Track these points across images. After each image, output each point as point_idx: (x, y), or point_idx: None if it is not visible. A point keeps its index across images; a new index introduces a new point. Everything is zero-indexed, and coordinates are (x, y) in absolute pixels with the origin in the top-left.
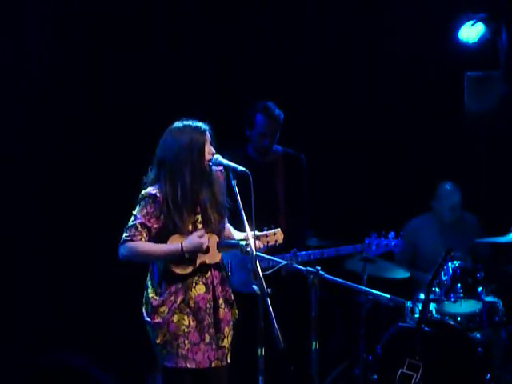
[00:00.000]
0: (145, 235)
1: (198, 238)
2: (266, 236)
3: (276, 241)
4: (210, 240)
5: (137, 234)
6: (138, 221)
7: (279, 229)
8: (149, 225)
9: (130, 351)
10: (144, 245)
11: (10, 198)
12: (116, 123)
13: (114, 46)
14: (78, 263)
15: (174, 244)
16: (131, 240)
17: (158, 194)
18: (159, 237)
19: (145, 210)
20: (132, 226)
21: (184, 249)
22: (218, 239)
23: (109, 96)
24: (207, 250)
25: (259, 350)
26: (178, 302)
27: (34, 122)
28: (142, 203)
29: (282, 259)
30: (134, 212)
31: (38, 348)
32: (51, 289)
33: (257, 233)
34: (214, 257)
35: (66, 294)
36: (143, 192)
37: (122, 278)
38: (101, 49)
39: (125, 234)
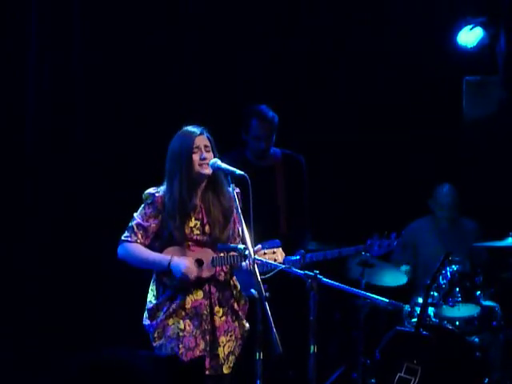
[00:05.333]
0: (140, 236)
1: (188, 267)
2: (265, 253)
3: (275, 260)
4: (203, 253)
5: (133, 234)
6: (135, 221)
7: (280, 248)
8: (145, 225)
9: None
10: (137, 248)
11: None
12: (115, 123)
13: (113, 45)
14: (77, 264)
15: (164, 256)
16: (127, 240)
17: (156, 194)
18: (160, 240)
19: (143, 211)
20: (130, 226)
21: (171, 267)
22: (212, 253)
23: (108, 96)
24: (200, 264)
25: (257, 354)
26: (174, 306)
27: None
28: (143, 203)
29: (288, 262)
30: (135, 213)
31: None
32: (50, 290)
33: (257, 248)
34: (209, 270)
35: (64, 297)
36: (145, 192)
37: (121, 282)
38: (101, 49)
39: (123, 234)
